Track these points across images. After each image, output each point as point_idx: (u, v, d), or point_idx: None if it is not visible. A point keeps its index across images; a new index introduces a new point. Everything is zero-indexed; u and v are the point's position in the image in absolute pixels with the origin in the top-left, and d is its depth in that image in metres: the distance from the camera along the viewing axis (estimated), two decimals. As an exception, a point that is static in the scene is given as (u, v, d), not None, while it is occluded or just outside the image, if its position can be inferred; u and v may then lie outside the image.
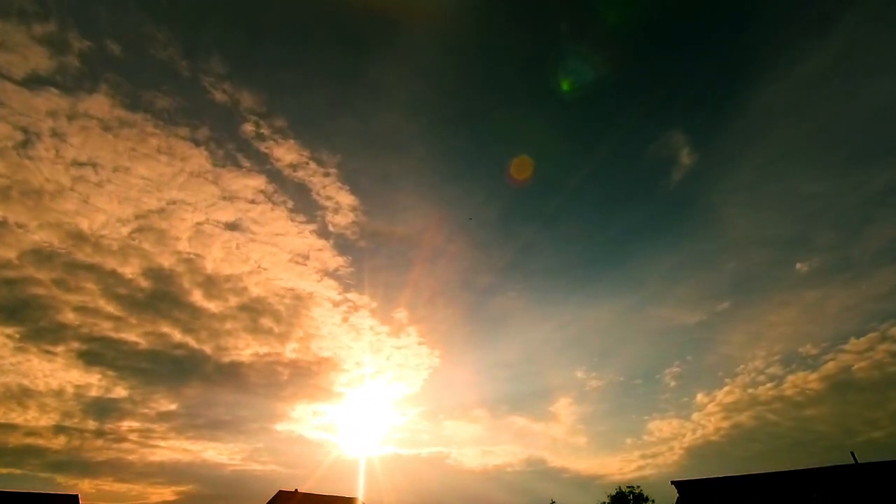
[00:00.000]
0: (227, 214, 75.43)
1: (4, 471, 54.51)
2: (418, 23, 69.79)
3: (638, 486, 41.91)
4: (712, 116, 76.17)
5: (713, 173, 76.73)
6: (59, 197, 60.93)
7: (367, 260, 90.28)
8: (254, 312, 77.71)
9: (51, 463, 57.27)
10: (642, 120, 78.54)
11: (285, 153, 78.98)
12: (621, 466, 72.46)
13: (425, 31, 71.53)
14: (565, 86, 69.12)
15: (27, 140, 56.94)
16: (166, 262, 70.59)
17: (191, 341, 71.81)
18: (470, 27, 72.60)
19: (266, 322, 78.82)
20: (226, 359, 73.90)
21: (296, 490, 35.36)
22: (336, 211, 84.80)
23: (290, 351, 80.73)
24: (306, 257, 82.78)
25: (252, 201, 77.79)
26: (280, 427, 76.69)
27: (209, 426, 69.42)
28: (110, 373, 64.13)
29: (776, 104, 66.87)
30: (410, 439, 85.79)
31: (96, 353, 64.35)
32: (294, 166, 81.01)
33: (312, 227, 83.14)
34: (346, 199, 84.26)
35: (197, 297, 73.46)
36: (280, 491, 35.09)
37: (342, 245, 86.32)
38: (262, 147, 77.19)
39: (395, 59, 76.84)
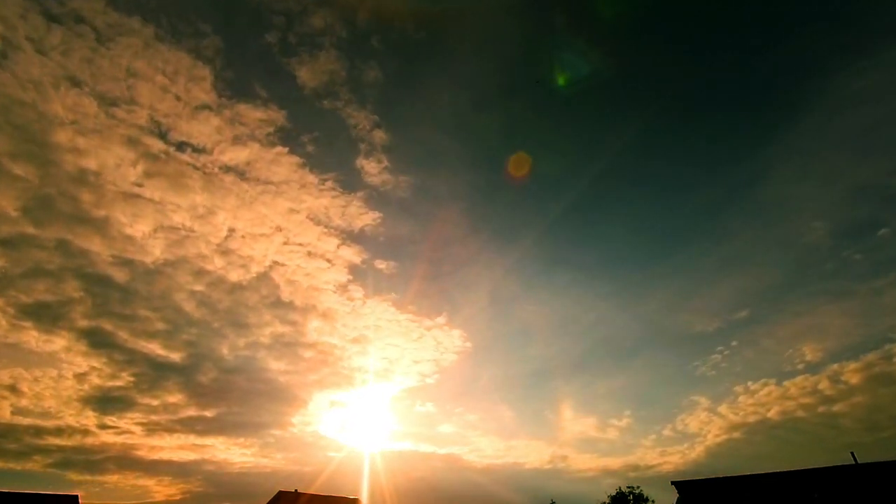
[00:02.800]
0: (239, 157, 64.09)
1: (6, 466, 52.07)
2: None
3: (638, 487, 41.89)
4: (780, 108, 73.51)
5: (780, 161, 73.65)
6: (52, 129, 52.76)
7: (398, 216, 75.73)
8: (272, 285, 69.51)
9: (55, 458, 54.40)
10: (679, 113, 76.44)
11: (311, 75, 65.23)
12: (646, 462, 70.31)
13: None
14: (561, 80, 67.06)
15: (4, 50, 48.48)
16: (179, 218, 61.96)
17: (206, 316, 65.24)
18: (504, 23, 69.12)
19: (285, 293, 70.14)
20: (242, 340, 67.53)
21: (296, 490, 35.33)
22: (368, 153, 69.67)
23: (311, 331, 71.41)
24: (328, 215, 69.76)
25: (269, 144, 64.83)
26: (295, 419, 70.27)
27: (220, 419, 64.46)
28: (117, 356, 58.55)
29: (849, 94, 63.24)
30: (428, 433, 79.74)
31: (103, 334, 58.28)
32: (321, 94, 66.63)
33: (340, 173, 70.26)
34: (379, 136, 70.18)
35: (216, 264, 64.89)
36: (280, 491, 35.06)
37: (373, 199, 72.35)
38: (286, 64, 63.59)
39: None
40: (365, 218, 72.62)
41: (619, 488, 42.33)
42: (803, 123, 70.27)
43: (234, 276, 67.37)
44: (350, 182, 74.09)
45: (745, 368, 72.16)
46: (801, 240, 71.34)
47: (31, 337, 55.61)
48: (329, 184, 70.08)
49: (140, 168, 59.37)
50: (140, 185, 59.35)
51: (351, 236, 72.74)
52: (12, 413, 54.85)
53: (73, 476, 55.71)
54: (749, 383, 68.48)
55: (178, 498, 60.20)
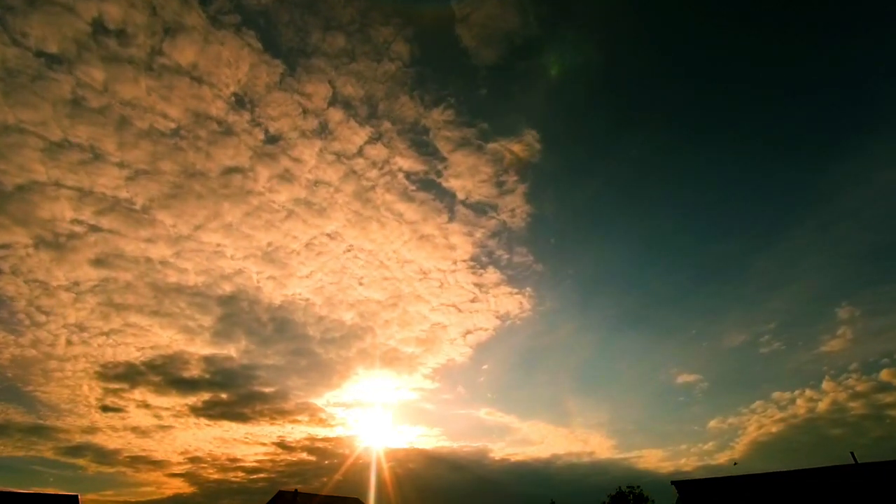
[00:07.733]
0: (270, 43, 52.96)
1: (13, 455, 49.25)
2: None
3: (638, 487, 41.92)
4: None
5: (848, 160, 69.91)
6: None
7: (475, 97, 60.75)
8: (320, 216, 59.93)
9: (60, 448, 51.69)
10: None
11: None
12: (694, 453, 68.83)
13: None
14: (554, 70, 64.46)
15: None
16: (214, 109, 52.50)
17: (242, 264, 57.08)
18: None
19: (329, 228, 59.34)
20: (277, 299, 59.72)
21: (296, 490, 35.30)
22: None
23: (354, 283, 61.85)
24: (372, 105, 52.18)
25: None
26: (322, 402, 64.73)
27: (240, 404, 59.26)
28: (134, 319, 49.78)
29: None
30: (461, 422, 73.32)
31: (115, 290, 48.82)
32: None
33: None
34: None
35: (260, 182, 54.60)
36: (280, 491, 35.10)
37: (441, 77, 54.30)
38: None
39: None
40: (429, 119, 52.99)
41: (620, 488, 42.41)
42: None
43: (282, 196, 56.04)
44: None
45: (824, 362, 67.95)
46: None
47: (22, 294, 43.51)
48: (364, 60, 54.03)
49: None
50: (162, 55, 43.59)
51: (409, 129, 51.25)
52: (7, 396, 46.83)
53: (81, 469, 53.12)
54: (824, 366, 64.90)
55: (188, 493, 57.35)
